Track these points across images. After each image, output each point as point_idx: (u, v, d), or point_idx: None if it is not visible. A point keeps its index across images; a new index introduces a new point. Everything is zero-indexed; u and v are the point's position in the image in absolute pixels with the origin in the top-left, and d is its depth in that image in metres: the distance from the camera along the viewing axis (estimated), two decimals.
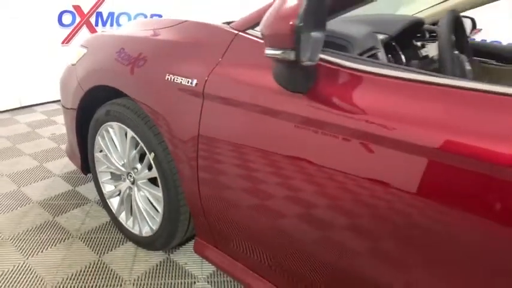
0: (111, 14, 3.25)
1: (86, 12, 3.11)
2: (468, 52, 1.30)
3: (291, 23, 0.63)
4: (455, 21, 1.08)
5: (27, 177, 1.92)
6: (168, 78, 1.06)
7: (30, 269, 1.30)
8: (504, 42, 3.45)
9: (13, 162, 2.06)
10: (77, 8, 3.05)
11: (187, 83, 1.01)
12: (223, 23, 1.09)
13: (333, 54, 0.82)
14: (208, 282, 1.32)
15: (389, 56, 1.03)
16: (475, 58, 1.91)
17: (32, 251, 1.39)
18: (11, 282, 1.24)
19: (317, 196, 0.81)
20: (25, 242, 1.44)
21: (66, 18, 3.02)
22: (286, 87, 0.82)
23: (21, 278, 1.27)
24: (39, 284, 1.24)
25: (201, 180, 1.07)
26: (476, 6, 1.84)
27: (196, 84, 0.99)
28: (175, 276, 1.33)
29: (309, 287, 0.95)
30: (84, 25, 3.15)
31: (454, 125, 0.63)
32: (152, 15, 3.49)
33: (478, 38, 4.34)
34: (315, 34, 0.71)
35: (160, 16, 3.54)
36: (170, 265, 1.38)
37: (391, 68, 0.75)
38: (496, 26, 3.94)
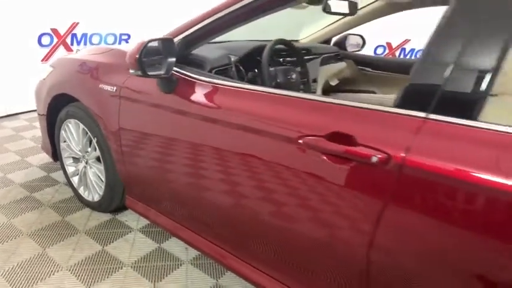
0: (84, 35, 3.81)
1: (62, 34, 3.67)
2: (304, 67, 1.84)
3: (136, 56, 1.19)
4: (282, 43, 1.68)
5: (12, 167, 2.45)
6: (100, 87, 1.62)
7: (11, 226, 1.83)
8: None
9: (1, 159, 2.59)
10: (55, 30, 3.61)
11: (111, 89, 1.57)
12: None
13: (188, 69, 1.37)
14: (141, 232, 1.86)
15: (242, 68, 1.60)
16: (359, 67, 2.51)
17: (14, 214, 1.92)
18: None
19: (191, 159, 1.35)
20: (9, 209, 1.97)
21: (45, 40, 3.58)
22: (162, 90, 1.38)
23: (4, 232, 1.80)
24: (18, 234, 1.78)
25: (125, 157, 1.62)
26: (356, 26, 2.43)
27: (115, 90, 1.55)
28: (117, 226, 1.87)
29: (205, 226, 1.47)
30: (61, 45, 3.70)
31: (255, 112, 1.13)
32: (121, 35, 4.05)
33: (408, 47, 4.98)
34: (169, 60, 1.28)
35: (128, 35, 4.11)
36: (115, 221, 1.92)
37: (220, 79, 1.31)
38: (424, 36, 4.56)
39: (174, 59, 1.29)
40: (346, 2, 1.62)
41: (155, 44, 1.26)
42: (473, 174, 0.76)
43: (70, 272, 1.55)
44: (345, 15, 1.74)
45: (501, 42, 0.80)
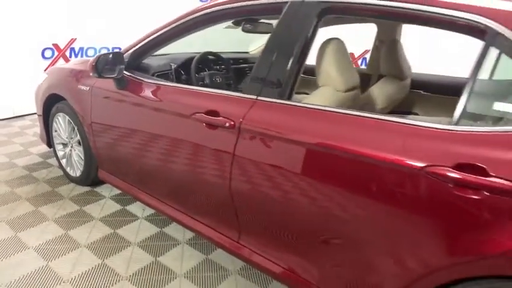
0: (81, 49, 4.45)
1: (62, 48, 4.32)
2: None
3: (93, 64, 1.78)
4: (211, 55, 2.26)
5: (16, 155, 3.06)
6: (79, 87, 2.21)
7: (14, 193, 2.42)
8: None
9: (8, 148, 3.20)
10: (56, 45, 4.26)
11: (85, 89, 2.16)
12: None
13: (136, 73, 1.95)
14: (113, 200, 2.43)
15: (182, 73, 2.18)
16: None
17: (17, 186, 2.51)
18: None
19: (140, 138, 1.91)
20: (13, 183, 2.56)
21: (48, 53, 4.22)
22: (117, 88, 1.96)
23: (8, 197, 2.38)
24: (18, 199, 2.36)
25: (96, 140, 2.19)
26: None
27: (88, 89, 2.14)
28: (93, 194, 2.45)
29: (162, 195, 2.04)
30: (61, 58, 4.35)
31: (180, 102, 1.71)
32: (113, 48, 4.69)
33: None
34: (120, 66, 1.86)
35: (119, 48, 4.73)
36: (92, 192, 2.50)
37: (158, 80, 1.88)
38: None
39: (123, 66, 1.88)
40: (262, 23, 2.19)
41: (109, 56, 1.85)
42: (279, 131, 1.31)
43: (55, 223, 2.12)
44: (261, 33, 2.31)
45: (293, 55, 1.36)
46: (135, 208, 2.33)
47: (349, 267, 1.25)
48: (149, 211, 2.28)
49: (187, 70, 2.18)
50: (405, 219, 1.07)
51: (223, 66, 2.36)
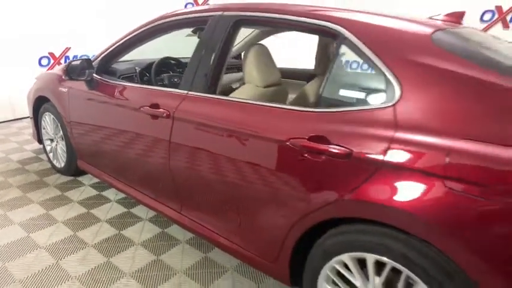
0: (75, 56, 4.86)
1: (57, 56, 4.73)
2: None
3: (64, 68, 2.14)
4: (163, 61, 2.61)
5: (12, 151, 3.45)
6: (59, 89, 2.59)
7: (6, 182, 2.80)
8: None
9: (5, 145, 3.59)
10: (51, 54, 4.68)
11: (64, 90, 2.53)
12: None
13: (104, 76, 2.31)
14: (92, 187, 2.79)
15: (147, 75, 2.53)
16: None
17: (9, 176, 2.89)
18: None
19: (108, 131, 2.28)
20: (6, 174, 2.93)
21: (44, 61, 4.64)
22: (88, 88, 2.32)
23: (1, 185, 2.76)
24: (9, 186, 2.74)
25: (74, 134, 2.56)
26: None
27: (66, 90, 2.51)
28: (75, 183, 2.82)
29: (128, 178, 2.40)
30: (57, 65, 4.76)
31: (139, 99, 2.09)
32: None
33: None
34: (89, 70, 2.23)
35: None
36: (75, 180, 2.87)
37: (122, 81, 2.24)
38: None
39: (92, 70, 2.25)
40: None
41: (80, 62, 2.21)
42: (203, 118, 1.65)
43: (39, 205, 2.49)
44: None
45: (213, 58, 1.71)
46: (110, 193, 2.68)
47: (255, 221, 1.57)
48: (121, 195, 2.63)
49: (150, 73, 2.54)
50: (284, 180, 1.39)
51: (180, 69, 2.71)
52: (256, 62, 1.86)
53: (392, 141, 1.13)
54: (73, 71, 2.18)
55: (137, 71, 2.49)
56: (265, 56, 1.92)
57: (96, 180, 2.86)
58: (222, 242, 1.73)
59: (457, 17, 1.65)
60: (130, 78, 2.46)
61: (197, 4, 5.57)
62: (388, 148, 1.13)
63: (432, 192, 1.05)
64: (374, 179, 1.16)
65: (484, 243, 0.98)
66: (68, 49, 4.79)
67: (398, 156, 1.11)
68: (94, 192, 2.70)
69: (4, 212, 2.37)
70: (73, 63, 2.17)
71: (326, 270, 1.34)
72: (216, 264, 1.93)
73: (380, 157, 1.14)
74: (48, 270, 1.85)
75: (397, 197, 1.10)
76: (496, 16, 4.09)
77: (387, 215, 1.14)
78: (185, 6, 5.53)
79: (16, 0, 4.22)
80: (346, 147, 1.21)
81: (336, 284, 1.34)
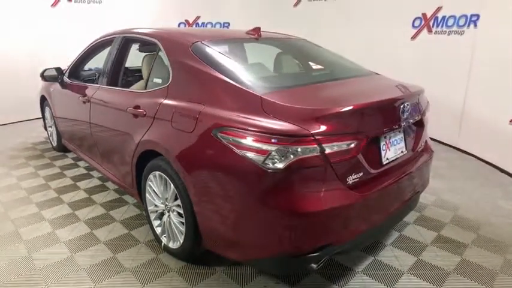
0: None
1: None
2: None
3: (40, 73, 3.30)
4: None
5: (31, 138, 4.75)
6: (50, 90, 3.77)
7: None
8: None
9: (27, 135, 4.92)
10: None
11: (52, 90, 3.71)
12: None
13: (72, 79, 3.43)
14: (85, 168, 3.93)
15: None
16: None
17: (23, 151, 4.14)
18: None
19: (76, 117, 3.40)
20: (24, 151, 4.19)
21: None
22: (61, 88, 3.46)
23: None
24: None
25: (57, 119, 3.72)
26: None
27: (53, 90, 3.68)
28: (64, 157, 3.98)
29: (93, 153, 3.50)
30: None
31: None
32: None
33: None
34: (60, 75, 3.37)
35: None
36: (63, 155, 4.03)
37: (83, 82, 3.34)
38: None
39: (62, 75, 3.38)
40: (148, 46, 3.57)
41: (53, 69, 3.36)
42: (100, 100, 2.68)
43: (40, 175, 3.66)
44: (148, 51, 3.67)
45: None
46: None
47: (119, 160, 2.52)
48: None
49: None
50: (126, 131, 2.36)
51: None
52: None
53: (161, 105, 2.05)
54: (47, 76, 3.34)
55: (96, 75, 3.59)
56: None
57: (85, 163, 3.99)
58: (113, 178, 2.72)
59: (256, 31, 2.50)
60: (91, 80, 3.56)
61: (189, 24, 6.67)
62: (159, 108, 2.05)
63: (167, 133, 1.95)
64: (153, 127, 2.08)
65: (186, 159, 1.85)
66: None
67: (160, 112, 2.03)
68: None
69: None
70: (47, 70, 3.33)
71: (149, 179, 2.24)
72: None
73: (154, 114, 2.06)
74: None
75: (160, 136, 2.01)
76: (423, 22, 4.65)
77: (159, 148, 2.04)
78: (178, 25, 6.67)
79: None
80: (144, 110, 2.14)
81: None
